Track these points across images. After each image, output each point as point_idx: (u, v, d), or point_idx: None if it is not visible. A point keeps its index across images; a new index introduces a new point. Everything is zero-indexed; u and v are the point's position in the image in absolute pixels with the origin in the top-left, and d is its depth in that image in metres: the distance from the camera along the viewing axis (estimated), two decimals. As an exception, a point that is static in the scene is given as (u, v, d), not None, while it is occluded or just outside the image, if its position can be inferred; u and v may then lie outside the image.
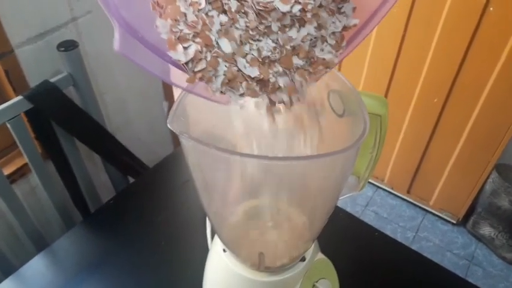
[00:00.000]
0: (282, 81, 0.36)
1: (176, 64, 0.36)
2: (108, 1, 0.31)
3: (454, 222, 1.76)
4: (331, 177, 0.46)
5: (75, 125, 0.96)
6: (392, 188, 1.87)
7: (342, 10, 0.37)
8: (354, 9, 0.37)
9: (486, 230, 1.66)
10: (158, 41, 0.35)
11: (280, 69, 0.36)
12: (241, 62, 0.35)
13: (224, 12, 0.34)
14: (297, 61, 0.36)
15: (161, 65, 0.36)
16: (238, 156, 0.37)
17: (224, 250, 0.55)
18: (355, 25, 0.38)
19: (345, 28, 0.37)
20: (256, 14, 0.34)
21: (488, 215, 1.63)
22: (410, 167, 1.74)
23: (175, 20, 0.35)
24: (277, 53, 0.35)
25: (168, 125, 0.39)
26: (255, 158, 0.38)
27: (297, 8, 0.35)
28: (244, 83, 0.36)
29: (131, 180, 1.14)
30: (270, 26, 0.35)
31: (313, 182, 0.47)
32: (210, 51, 0.35)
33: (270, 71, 0.36)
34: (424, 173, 1.72)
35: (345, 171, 0.46)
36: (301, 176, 0.45)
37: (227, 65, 0.35)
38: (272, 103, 0.37)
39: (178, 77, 0.37)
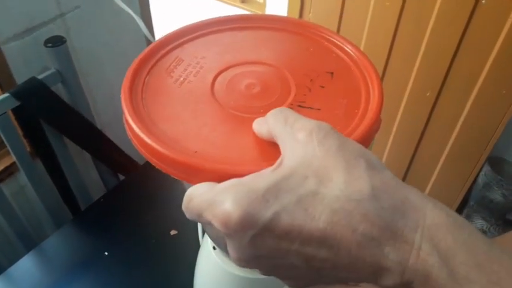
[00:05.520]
0: None
1: None
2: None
3: (447, 215, 1.77)
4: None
5: (64, 123, 0.94)
6: (385, 183, 1.87)
7: None
8: None
9: (478, 223, 1.67)
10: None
11: None
12: None
13: None
14: None
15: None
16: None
17: (214, 248, 0.54)
18: None
19: None
20: None
21: (481, 208, 1.64)
22: (403, 161, 1.74)
23: None
24: None
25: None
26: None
27: None
28: None
29: (122, 177, 1.13)
30: None
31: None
32: None
33: None
34: (417, 167, 1.73)
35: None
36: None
37: None
38: None
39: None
